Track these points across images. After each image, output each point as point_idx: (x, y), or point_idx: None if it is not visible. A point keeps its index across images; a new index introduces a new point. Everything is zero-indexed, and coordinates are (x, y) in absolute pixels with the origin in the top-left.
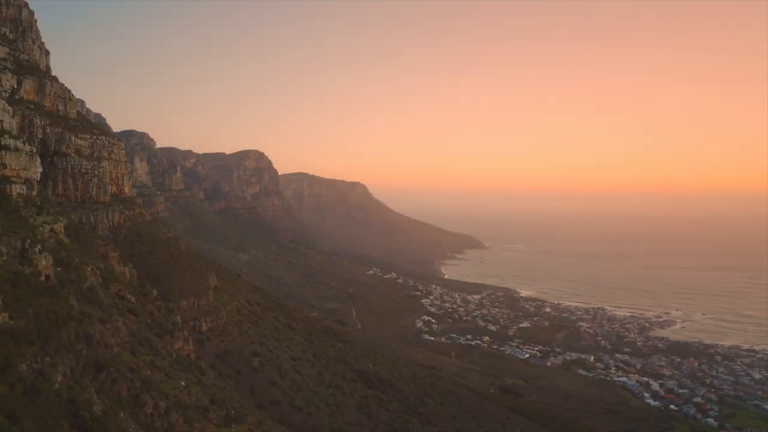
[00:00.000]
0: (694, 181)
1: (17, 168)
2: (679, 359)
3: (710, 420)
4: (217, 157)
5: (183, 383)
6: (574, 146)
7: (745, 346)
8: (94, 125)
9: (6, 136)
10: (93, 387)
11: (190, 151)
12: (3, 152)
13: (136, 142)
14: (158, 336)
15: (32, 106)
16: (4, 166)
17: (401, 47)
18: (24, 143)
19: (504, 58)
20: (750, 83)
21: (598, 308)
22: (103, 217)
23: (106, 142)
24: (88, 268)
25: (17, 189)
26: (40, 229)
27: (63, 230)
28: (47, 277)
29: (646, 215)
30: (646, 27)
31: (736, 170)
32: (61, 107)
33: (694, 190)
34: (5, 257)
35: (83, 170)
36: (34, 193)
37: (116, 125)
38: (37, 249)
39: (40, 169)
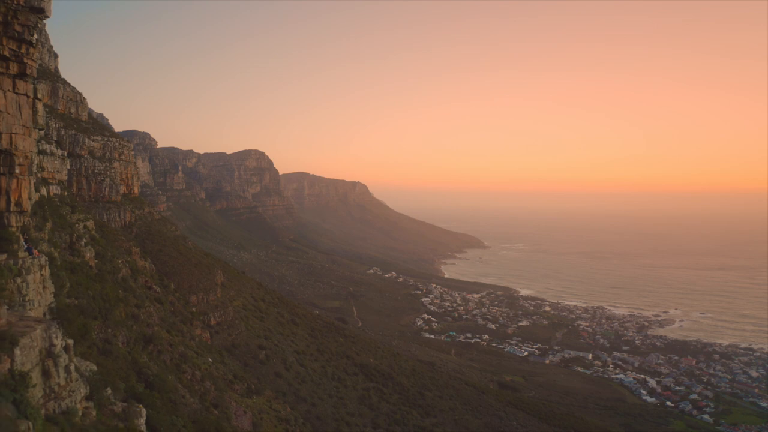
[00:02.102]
0: (693, 180)
1: (52, 170)
2: (677, 357)
3: (706, 416)
4: (219, 157)
5: (210, 360)
6: (575, 146)
7: (743, 345)
8: (105, 127)
9: (43, 141)
10: (145, 355)
11: (191, 151)
12: (41, 156)
13: (137, 142)
14: (182, 323)
15: (47, 110)
16: (43, 169)
17: (402, 48)
18: (57, 147)
19: (504, 59)
20: (750, 83)
21: (597, 307)
22: (116, 216)
23: (117, 144)
24: (119, 261)
25: (53, 189)
26: (77, 225)
27: (94, 227)
28: (90, 267)
29: (645, 215)
30: (650, 27)
31: (736, 170)
32: (73, 110)
33: (694, 190)
34: (59, 249)
35: (96, 171)
36: (66, 193)
37: (118, 125)
38: (83, 242)
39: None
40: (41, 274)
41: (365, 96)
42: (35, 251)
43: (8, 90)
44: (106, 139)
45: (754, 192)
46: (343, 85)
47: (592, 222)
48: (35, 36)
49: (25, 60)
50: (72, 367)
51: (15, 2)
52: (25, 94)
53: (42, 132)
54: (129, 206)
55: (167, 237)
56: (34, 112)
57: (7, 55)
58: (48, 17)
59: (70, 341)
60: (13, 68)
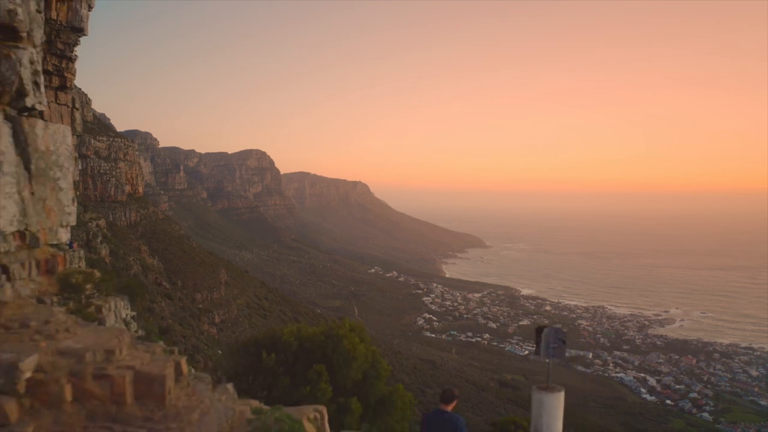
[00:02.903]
0: (694, 180)
1: None
2: (677, 356)
3: (705, 415)
4: (220, 157)
5: (220, 352)
6: (575, 146)
7: (744, 344)
8: (109, 127)
9: None
10: None
11: (192, 151)
12: None
13: (140, 141)
14: (191, 317)
15: None
16: None
17: (402, 48)
18: None
19: (504, 59)
20: (750, 83)
21: (598, 306)
22: (121, 216)
23: (122, 144)
24: (131, 258)
25: None
26: (90, 224)
27: (105, 225)
28: (105, 263)
29: (646, 215)
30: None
31: (737, 170)
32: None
33: (695, 190)
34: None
35: (102, 171)
36: (78, 192)
37: (120, 125)
38: (98, 240)
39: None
40: (79, 266)
41: (365, 96)
42: (75, 245)
43: (51, 101)
44: (111, 139)
45: (754, 192)
46: (343, 85)
47: (594, 222)
48: (75, 52)
49: (66, 74)
50: (139, 333)
51: (58, 23)
52: (66, 104)
53: (80, 138)
54: (134, 206)
55: (172, 236)
56: (72, 120)
57: (50, 70)
58: (86, 35)
59: (134, 312)
60: (55, 81)
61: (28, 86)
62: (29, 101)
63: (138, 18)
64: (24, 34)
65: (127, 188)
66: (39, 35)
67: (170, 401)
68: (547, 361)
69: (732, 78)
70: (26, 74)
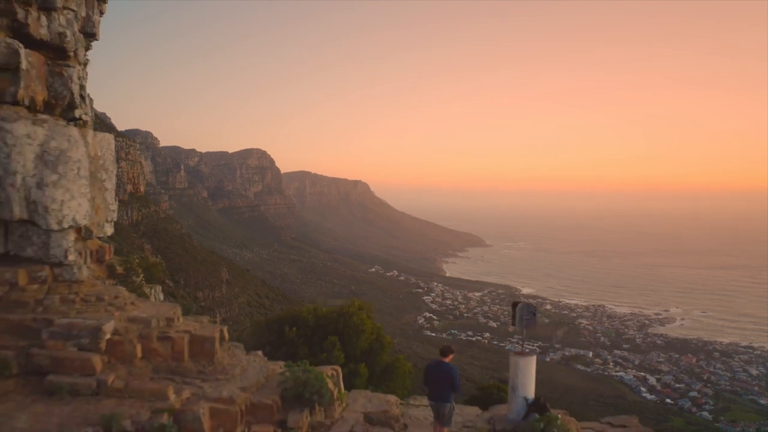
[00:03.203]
0: (695, 180)
1: None
2: (677, 355)
3: (705, 413)
4: (220, 156)
5: None
6: (575, 146)
7: (744, 343)
8: (110, 127)
9: None
10: None
11: (193, 150)
12: None
13: (140, 141)
14: (194, 315)
15: None
16: None
17: (402, 48)
18: None
19: (504, 59)
20: (750, 83)
21: (598, 305)
22: (123, 215)
23: (123, 144)
24: (134, 257)
25: None
26: None
27: None
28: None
29: (647, 214)
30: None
31: (737, 169)
32: None
33: (695, 189)
34: None
35: None
36: None
37: (120, 125)
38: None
39: None
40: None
41: (365, 96)
42: None
43: None
44: None
45: (755, 191)
46: (343, 85)
47: (594, 221)
48: (87, 56)
49: None
50: None
51: None
52: None
53: None
54: (136, 205)
55: (173, 235)
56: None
57: None
58: (98, 40)
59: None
60: None
61: (77, 99)
62: (78, 113)
63: (138, 18)
64: (72, 54)
65: (129, 187)
66: (83, 54)
67: (218, 359)
68: (522, 330)
69: (732, 78)
70: (76, 89)
